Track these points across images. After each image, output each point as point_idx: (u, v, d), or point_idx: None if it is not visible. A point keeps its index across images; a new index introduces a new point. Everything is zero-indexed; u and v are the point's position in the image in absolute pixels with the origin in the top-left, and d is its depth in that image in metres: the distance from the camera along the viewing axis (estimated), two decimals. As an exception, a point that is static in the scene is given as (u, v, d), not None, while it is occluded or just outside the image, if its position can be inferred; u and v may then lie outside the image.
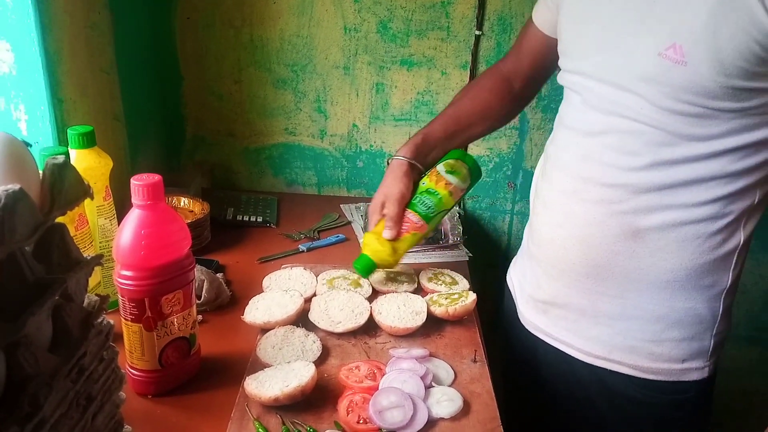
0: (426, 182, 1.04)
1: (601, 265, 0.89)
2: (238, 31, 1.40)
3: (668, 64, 0.76)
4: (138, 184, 0.75)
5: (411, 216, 1.01)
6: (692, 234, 0.84)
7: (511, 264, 1.15)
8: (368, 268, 1.01)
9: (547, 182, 0.96)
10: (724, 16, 0.72)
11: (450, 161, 1.06)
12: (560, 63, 0.95)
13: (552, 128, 1.00)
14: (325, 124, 1.48)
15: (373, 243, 1.00)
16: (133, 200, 0.76)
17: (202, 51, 1.42)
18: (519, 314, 1.05)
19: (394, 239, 1.00)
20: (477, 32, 1.37)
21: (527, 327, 1.03)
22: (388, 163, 1.05)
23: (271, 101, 1.46)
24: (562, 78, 0.95)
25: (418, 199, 1.02)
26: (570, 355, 0.97)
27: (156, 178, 0.76)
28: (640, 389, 0.93)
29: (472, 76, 1.41)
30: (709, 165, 0.80)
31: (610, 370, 0.93)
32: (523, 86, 1.11)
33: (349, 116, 1.47)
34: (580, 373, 0.96)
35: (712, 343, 0.91)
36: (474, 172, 1.08)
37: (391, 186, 1.01)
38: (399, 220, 1.00)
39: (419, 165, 1.04)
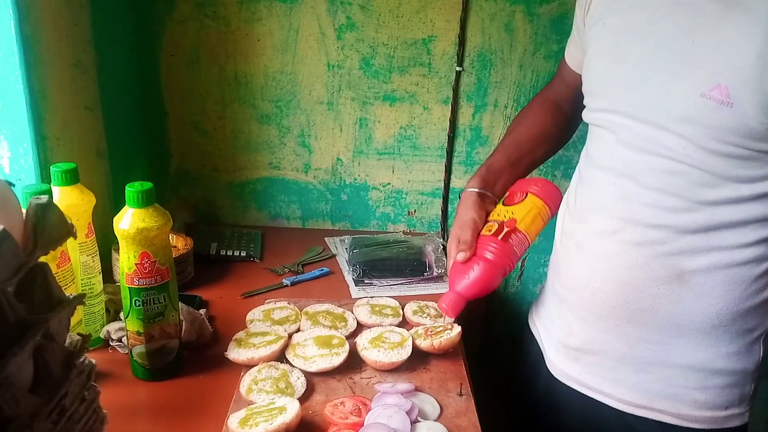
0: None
1: (643, 310, 0.86)
2: (223, 68, 1.41)
3: (712, 105, 0.74)
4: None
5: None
6: (739, 277, 0.82)
7: (534, 307, 1.12)
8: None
9: (580, 223, 0.93)
10: None
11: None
12: (587, 102, 0.94)
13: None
14: (310, 158, 1.49)
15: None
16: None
17: (187, 87, 1.43)
18: (547, 361, 1.01)
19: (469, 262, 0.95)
20: (458, 68, 1.40)
21: (555, 375, 0.99)
22: (459, 197, 1.04)
23: (256, 136, 1.47)
24: (589, 117, 0.94)
25: None
26: (602, 403, 0.93)
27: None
28: None
29: (454, 110, 1.43)
30: (754, 207, 0.79)
31: (647, 419, 0.90)
32: (573, 108, 1.09)
33: (333, 150, 1.49)
34: (610, 422, 0.93)
35: (752, 387, 0.89)
36: None
37: (462, 215, 0.99)
38: (473, 243, 0.95)
39: (489, 194, 1.02)
